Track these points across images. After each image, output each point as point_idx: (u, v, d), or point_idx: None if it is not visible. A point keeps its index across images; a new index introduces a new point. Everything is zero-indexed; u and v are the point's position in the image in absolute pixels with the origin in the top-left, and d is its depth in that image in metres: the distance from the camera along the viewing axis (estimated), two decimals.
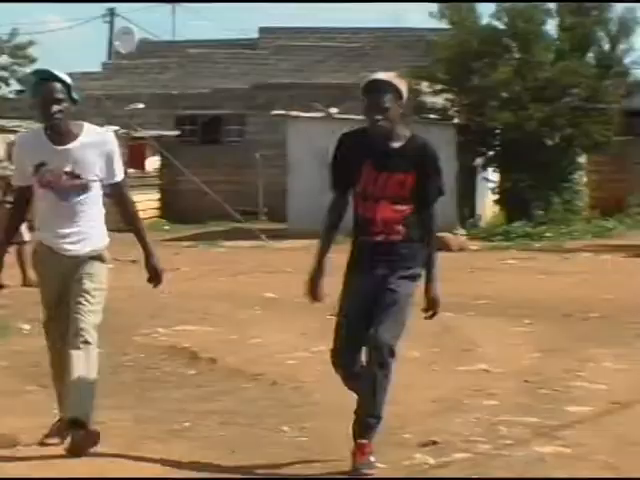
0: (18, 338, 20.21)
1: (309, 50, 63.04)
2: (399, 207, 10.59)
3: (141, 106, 61.94)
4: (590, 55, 52.43)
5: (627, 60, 53.96)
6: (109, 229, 11.78)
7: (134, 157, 56.63)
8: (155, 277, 12.36)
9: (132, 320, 21.81)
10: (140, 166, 58.90)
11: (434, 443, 12.53)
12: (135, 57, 75.15)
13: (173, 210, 59.94)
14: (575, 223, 48.85)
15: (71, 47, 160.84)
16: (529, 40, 50.52)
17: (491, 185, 52.78)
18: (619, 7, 53.07)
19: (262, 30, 71.71)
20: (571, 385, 15.95)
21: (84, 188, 11.60)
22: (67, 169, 11.30)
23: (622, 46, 53.41)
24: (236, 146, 63.90)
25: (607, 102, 51.34)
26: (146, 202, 55.82)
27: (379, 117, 10.19)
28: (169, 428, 13.35)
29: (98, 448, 11.95)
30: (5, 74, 51.68)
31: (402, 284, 10.89)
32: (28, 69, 55.71)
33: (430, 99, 52.40)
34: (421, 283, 11.25)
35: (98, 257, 12.12)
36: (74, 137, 11.56)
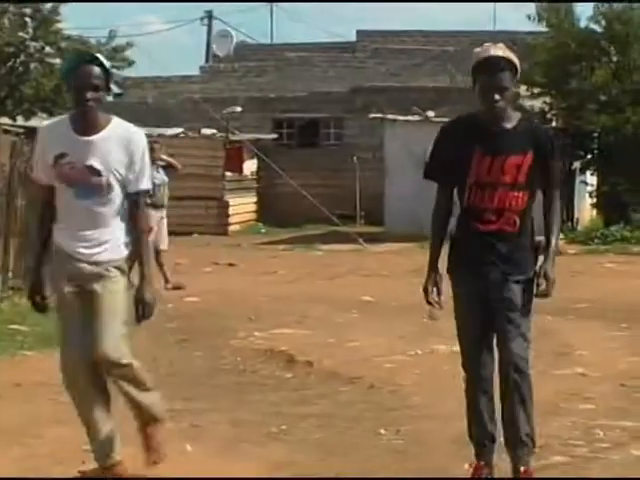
0: None
1: (406, 53, 62.96)
2: (516, 194, 9.67)
3: (238, 109, 61.81)
4: None
5: None
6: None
7: (231, 160, 56.52)
8: (141, 310, 9.96)
9: (229, 323, 21.86)
10: (237, 169, 58.40)
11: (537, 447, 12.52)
12: (232, 60, 75.04)
13: (270, 213, 59.58)
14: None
15: (169, 49, 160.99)
16: (627, 43, 50.17)
17: (589, 188, 52.48)
18: None
19: (360, 33, 71.66)
20: None
21: (105, 188, 9.95)
22: (89, 163, 9.70)
23: None
24: (333, 149, 64.05)
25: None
26: (243, 205, 55.73)
27: (498, 97, 9.30)
28: (266, 431, 13.34)
29: (195, 450, 12.07)
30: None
31: (518, 291, 10.00)
32: (126, 72, 55.33)
33: (528, 102, 52.21)
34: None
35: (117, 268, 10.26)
36: (100, 128, 10.00)
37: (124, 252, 10.20)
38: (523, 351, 10.03)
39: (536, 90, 51.73)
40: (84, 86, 9.75)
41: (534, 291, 9.89)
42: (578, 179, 52.26)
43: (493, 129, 9.52)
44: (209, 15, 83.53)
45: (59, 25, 51.56)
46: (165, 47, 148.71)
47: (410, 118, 51.82)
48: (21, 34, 50.21)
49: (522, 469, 9.73)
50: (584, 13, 52.47)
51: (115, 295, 10.16)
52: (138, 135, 10.29)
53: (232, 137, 53.39)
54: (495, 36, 56.15)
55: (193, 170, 51.60)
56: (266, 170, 55.62)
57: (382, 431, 13.36)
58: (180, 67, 72.19)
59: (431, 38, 62.35)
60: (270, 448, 12.35)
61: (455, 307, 10.31)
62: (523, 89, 52.23)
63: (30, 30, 50.60)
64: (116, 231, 10.15)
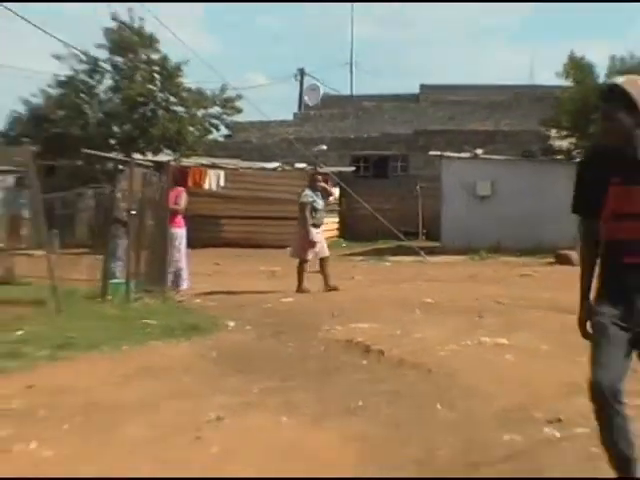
0: (224, 333, 20.28)
1: (460, 103, 62.95)
2: None
3: (324, 148, 62.08)
4: None
5: None
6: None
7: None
8: None
9: (316, 319, 21.80)
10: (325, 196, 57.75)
11: (559, 420, 12.49)
12: (320, 108, 75.56)
13: (349, 231, 60.13)
14: None
15: (270, 99, 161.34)
16: None
17: None
18: None
19: (422, 87, 72.30)
20: None
21: None
22: None
23: None
24: (400, 180, 63.85)
25: None
26: (328, 224, 55.90)
27: (608, 126, 7.81)
28: (345, 407, 13.25)
29: (289, 422, 12.03)
30: (217, 122, 51.47)
31: None
32: (235, 118, 55.57)
33: (557, 142, 52.17)
34: None
35: None
36: None
37: None
38: None
39: (564, 133, 51.70)
40: None
41: None
42: None
43: (629, 160, 7.85)
44: (301, 72, 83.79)
45: (181, 79, 51.65)
46: (266, 97, 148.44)
47: (462, 155, 51.78)
48: (150, 87, 50.29)
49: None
50: (603, 69, 52.20)
51: None
52: None
53: (319, 170, 53.52)
54: (532, 89, 56.09)
55: (288, 196, 51.74)
56: (346, 196, 55.54)
57: (439, 406, 13.33)
58: (278, 113, 71.33)
59: (480, 90, 62.08)
60: (348, 421, 12.35)
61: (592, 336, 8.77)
62: (553, 132, 52.22)
63: (158, 83, 50.68)
64: None
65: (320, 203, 31.14)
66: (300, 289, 29.53)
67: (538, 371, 15.91)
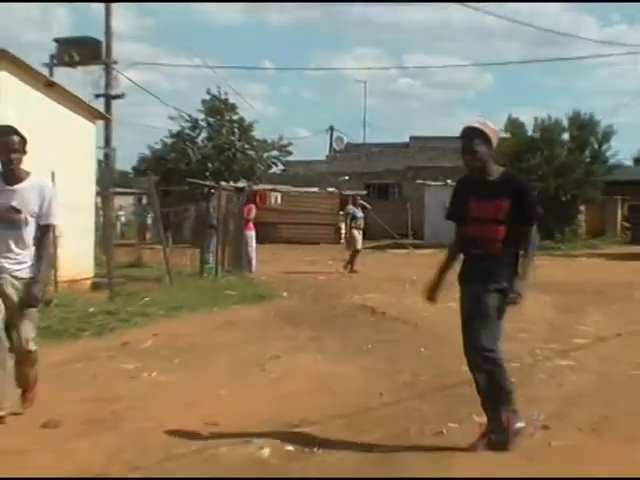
0: (280, 300, 20.37)
1: (436, 149, 62.70)
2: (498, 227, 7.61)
3: (347, 178, 62.05)
4: (587, 151, 51.78)
5: (608, 154, 53.29)
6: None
7: (342, 205, 56.48)
8: (28, 301, 7.89)
9: (339, 291, 21.93)
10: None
11: None
12: (343, 152, 75.68)
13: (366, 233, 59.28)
14: (577, 241, 48.26)
15: (310, 146, 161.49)
16: (552, 143, 50.13)
17: None
18: (603, 124, 52.88)
19: (411, 138, 72.18)
20: (577, 327, 15.79)
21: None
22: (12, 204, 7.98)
23: (604, 146, 52.77)
24: (396, 200, 63.66)
25: (595, 177, 50.75)
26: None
27: (469, 158, 7.72)
28: (360, 349, 13.31)
29: (323, 358, 12.07)
30: (276, 160, 51.49)
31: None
32: (289, 158, 55.72)
33: None
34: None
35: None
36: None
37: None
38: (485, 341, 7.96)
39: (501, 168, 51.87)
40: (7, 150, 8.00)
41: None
42: None
43: (480, 182, 7.81)
44: (331, 128, 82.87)
45: (252, 133, 51.71)
46: (308, 145, 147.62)
47: (438, 183, 51.79)
48: (232, 138, 50.31)
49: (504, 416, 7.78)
50: (530, 126, 52.21)
51: None
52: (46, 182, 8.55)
53: (343, 193, 53.25)
54: None
55: (322, 210, 51.85)
56: (364, 210, 55.68)
57: (422, 349, 13.33)
58: (315, 155, 71.18)
59: (449, 140, 61.51)
60: (361, 358, 12.42)
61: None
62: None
63: (237, 135, 50.70)
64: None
65: (359, 214, 31.91)
66: (352, 270, 29.47)
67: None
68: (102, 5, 35.51)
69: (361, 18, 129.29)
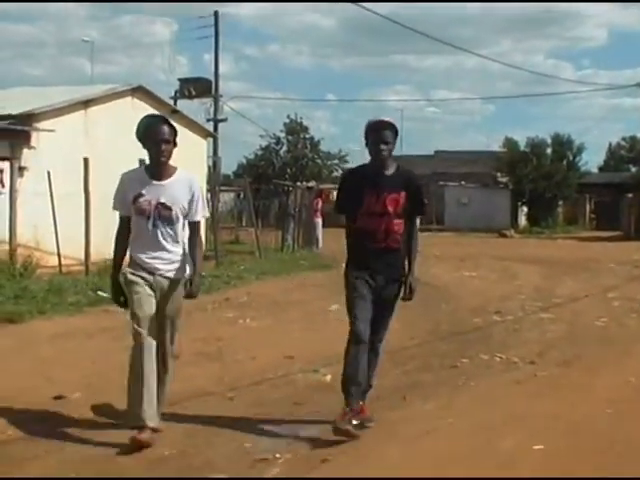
0: (339, 268, 20.28)
1: (454, 159, 61.60)
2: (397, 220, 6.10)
3: None
4: (564, 162, 51.23)
5: (580, 164, 52.89)
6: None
7: None
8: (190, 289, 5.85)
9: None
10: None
11: (499, 312, 12.41)
12: None
13: None
14: (557, 227, 47.76)
15: (361, 157, 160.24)
16: (539, 156, 49.66)
17: (525, 210, 51.66)
18: (577, 142, 52.48)
19: (436, 151, 69.02)
20: (555, 290, 15.65)
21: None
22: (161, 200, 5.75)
23: (577, 158, 52.37)
24: (425, 196, 62.74)
25: (571, 181, 50.25)
26: None
27: (383, 148, 6.00)
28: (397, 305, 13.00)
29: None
30: (337, 167, 51.28)
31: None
32: (345, 165, 55.45)
33: (499, 179, 51.57)
34: None
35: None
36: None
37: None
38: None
39: (502, 174, 51.25)
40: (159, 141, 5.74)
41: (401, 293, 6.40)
42: (519, 209, 51.47)
43: (377, 174, 6.07)
44: None
45: (320, 147, 51.60)
46: (360, 155, 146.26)
47: (455, 184, 51.40)
48: (305, 151, 50.23)
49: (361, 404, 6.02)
50: (522, 143, 51.84)
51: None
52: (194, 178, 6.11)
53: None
54: (489, 154, 54.95)
55: None
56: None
57: (443, 305, 13.27)
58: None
59: (463, 154, 60.35)
60: (399, 311, 12.20)
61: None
62: (498, 174, 51.77)
63: (308, 148, 50.63)
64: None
65: None
66: None
67: (490, 289, 15.92)
68: (213, 53, 35.81)
69: (400, 62, 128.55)
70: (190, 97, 35.68)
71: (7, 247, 15.88)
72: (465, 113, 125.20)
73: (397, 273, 6.26)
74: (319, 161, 51.81)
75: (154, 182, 5.70)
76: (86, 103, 19.80)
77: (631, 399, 6.95)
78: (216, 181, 24.32)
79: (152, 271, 5.68)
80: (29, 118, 17.73)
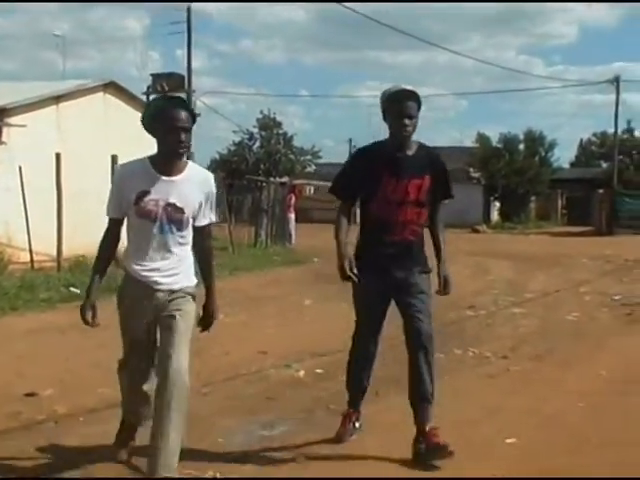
0: (312, 264, 20.31)
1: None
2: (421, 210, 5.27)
3: None
4: (537, 157, 51.46)
5: (552, 159, 53.21)
6: None
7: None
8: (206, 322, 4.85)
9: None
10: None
11: (472, 307, 12.45)
12: None
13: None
14: (529, 223, 48.11)
15: (335, 153, 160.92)
16: (512, 152, 49.91)
17: (497, 205, 51.86)
18: (548, 138, 52.79)
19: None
20: (527, 285, 15.75)
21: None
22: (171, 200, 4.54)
23: (549, 154, 52.62)
24: None
25: (543, 176, 50.50)
26: None
27: (407, 123, 4.97)
28: None
29: (345, 306, 12.04)
30: (310, 163, 51.81)
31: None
32: (318, 161, 55.40)
33: (472, 174, 51.54)
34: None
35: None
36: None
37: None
38: None
39: (475, 169, 51.28)
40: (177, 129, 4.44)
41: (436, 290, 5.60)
42: (492, 204, 51.68)
43: (398, 155, 5.11)
44: (350, 140, 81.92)
45: (293, 143, 51.63)
46: (333, 151, 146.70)
47: None
48: (278, 146, 50.23)
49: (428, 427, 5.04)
50: (495, 139, 52.09)
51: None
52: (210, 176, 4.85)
53: None
54: (462, 149, 55.16)
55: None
56: None
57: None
58: (339, 159, 70.69)
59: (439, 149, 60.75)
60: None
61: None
62: (471, 169, 51.87)
63: (281, 144, 50.64)
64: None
65: None
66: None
67: (463, 284, 15.79)
68: (185, 48, 35.68)
69: (374, 58, 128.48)
70: (163, 92, 35.58)
71: None
72: (438, 109, 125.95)
73: (418, 265, 5.35)
74: (292, 157, 51.91)
75: (163, 178, 4.48)
76: (58, 98, 19.71)
77: (602, 392, 6.99)
78: None
79: (151, 286, 4.52)
80: (0, 113, 17.63)
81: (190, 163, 4.64)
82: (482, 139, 52.69)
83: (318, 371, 7.76)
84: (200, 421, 5.86)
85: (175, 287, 4.57)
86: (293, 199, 28.65)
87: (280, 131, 52.23)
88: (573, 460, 5.05)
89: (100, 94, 21.20)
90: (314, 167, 60.08)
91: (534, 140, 52.43)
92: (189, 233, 4.64)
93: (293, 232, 27.56)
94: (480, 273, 18.31)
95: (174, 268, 4.58)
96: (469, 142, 55.57)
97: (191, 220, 4.60)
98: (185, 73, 35.61)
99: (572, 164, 73.26)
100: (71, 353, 8.38)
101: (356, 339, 5.67)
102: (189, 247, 4.69)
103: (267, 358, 8.38)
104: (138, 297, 4.57)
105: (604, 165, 62.06)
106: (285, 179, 39.71)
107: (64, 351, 8.52)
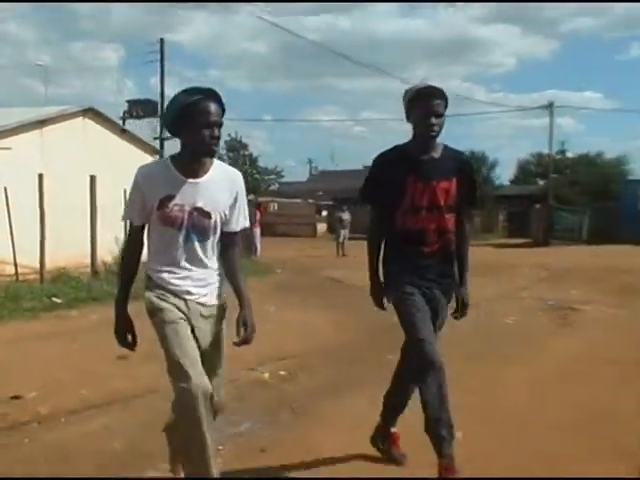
0: (276, 274, 20.32)
1: None
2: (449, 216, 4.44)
3: (320, 193, 61.41)
4: (480, 176, 51.84)
5: (494, 177, 53.52)
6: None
7: (318, 212, 56.33)
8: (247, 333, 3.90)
9: (315, 269, 21.86)
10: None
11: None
12: (319, 175, 74.66)
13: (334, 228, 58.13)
14: (475, 235, 48.19)
15: (295, 173, 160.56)
16: None
17: None
18: (491, 158, 52.97)
19: (364, 166, 70.38)
20: (471, 291, 15.80)
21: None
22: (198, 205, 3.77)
23: (491, 172, 53.07)
24: (355, 208, 62.86)
25: (486, 193, 50.74)
26: (320, 225, 55.03)
27: (436, 122, 4.20)
28: (326, 303, 13.31)
29: (305, 313, 12.00)
30: (273, 182, 51.88)
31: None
32: (281, 180, 55.36)
33: None
34: None
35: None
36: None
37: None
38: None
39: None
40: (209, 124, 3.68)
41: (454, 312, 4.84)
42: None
43: (423, 158, 4.34)
44: (310, 160, 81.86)
45: (258, 164, 51.68)
46: (295, 171, 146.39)
47: None
48: (245, 166, 50.24)
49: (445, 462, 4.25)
50: None
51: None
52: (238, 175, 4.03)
53: (318, 203, 52.93)
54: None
55: (304, 214, 51.58)
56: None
57: (366, 305, 13.29)
58: (300, 178, 70.51)
59: None
60: (327, 310, 12.43)
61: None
62: None
63: (247, 164, 50.65)
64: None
65: (345, 217, 31.26)
66: (343, 254, 28.41)
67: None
68: (158, 76, 35.56)
69: (331, 84, 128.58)
70: (138, 117, 35.48)
71: None
72: (390, 132, 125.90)
73: (452, 284, 4.61)
74: (257, 176, 52.05)
75: (189, 180, 3.74)
76: (41, 123, 19.76)
77: (536, 386, 7.13)
78: None
79: (182, 295, 3.79)
80: None
81: (216, 162, 3.87)
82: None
83: (281, 373, 7.78)
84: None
85: (207, 301, 3.86)
86: (258, 215, 28.65)
87: (246, 152, 52.39)
88: (507, 445, 5.15)
89: (80, 119, 21.31)
90: (277, 185, 60.36)
91: (477, 160, 52.68)
92: (215, 242, 3.92)
93: (259, 245, 27.53)
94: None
95: (205, 279, 3.87)
96: None
97: (220, 226, 3.88)
98: (158, 99, 35.49)
99: (512, 181, 73.89)
100: (53, 358, 8.33)
101: (416, 352, 4.44)
102: (216, 259, 3.97)
103: (236, 362, 8.36)
104: (171, 303, 3.77)
105: (540, 183, 62.62)
106: (251, 197, 39.81)
107: (46, 357, 8.47)
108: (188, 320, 3.77)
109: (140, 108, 34.67)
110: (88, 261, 17.01)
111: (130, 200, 3.80)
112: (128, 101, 37.54)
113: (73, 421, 5.88)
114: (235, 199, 3.92)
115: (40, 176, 16.13)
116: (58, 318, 11.43)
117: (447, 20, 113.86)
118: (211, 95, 3.70)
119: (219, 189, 3.81)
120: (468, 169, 4.48)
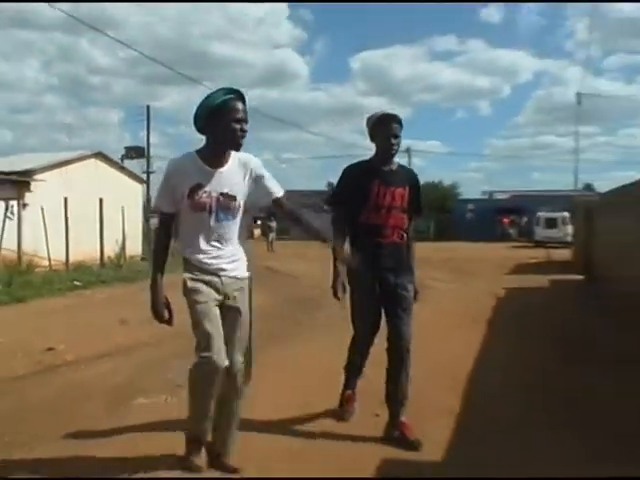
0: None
1: None
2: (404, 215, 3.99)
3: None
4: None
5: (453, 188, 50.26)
6: None
7: None
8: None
9: (255, 258, 18.71)
10: None
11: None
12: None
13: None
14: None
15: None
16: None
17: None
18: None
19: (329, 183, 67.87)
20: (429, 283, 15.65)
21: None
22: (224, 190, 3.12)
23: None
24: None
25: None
26: None
27: (394, 142, 3.87)
28: (266, 289, 11.26)
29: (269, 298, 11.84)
30: None
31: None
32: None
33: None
34: None
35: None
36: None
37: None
38: None
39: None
40: (237, 120, 3.09)
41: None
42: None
43: (384, 169, 3.91)
44: None
45: None
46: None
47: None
48: None
49: (403, 419, 3.77)
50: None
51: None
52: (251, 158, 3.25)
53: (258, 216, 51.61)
54: (315, 193, 53.76)
55: (244, 223, 49.60)
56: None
57: (296, 287, 12.72)
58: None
59: (299, 192, 59.73)
60: (266, 293, 11.05)
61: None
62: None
63: None
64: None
65: (273, 224, 29.63)
66: (272, 250, 26.54)
67: (322, 275, 15.53)
68: (145, 130, 34.98)
69: (265, 137, 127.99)
70: (132, 158, 35.04)
71: (16, 254, 16.07)
72: (302, 167, 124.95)
73: (408, 270, 3.98)
74: None
75: (215, 170, 3.17)
76: (65, 162, 20.23)
77: (437, 373, 6.91)
78: (148, 212, 23.76)
79: (217, 273, 3.20)
80: (28, 173, 18.24)
81: (233, 153, 3.21)
82: (330, 185, 49.52)
83: None
84: (156, 365, 5.74)
85: (238, 275, 3.27)
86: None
87: None
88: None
89: (92, 160, 21.79)
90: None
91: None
92: (240, 220, 3.30)
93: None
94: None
95: (234, 255, 3.27)
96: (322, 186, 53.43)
97: (242, 206, 3.26)
98: (145, 146, 35.24)
99: None
100: (75, 322, 8.25)
101: (358, 333, 4.03)
102: (240, 237, 3.34)
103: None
104: (206, 281, 3.16)
105: None
106: None
107: (71, 321, 8.37)
108: (224, 295, 3.19)
109: (133, 152, 34.29)
110: (98, 256, 17.81)
111: (161, 190, 3.19)
112: (125, 147, 37.06)
113: (90, 365, 5.85)
114: (256, 176, 3.25)
115: (65, 199, 17.18)
116: (78, 295, 11.58)
117: (341, 92, 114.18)
118: (239, 95, 3.15)
119: (238, 175, 3.21)
120: (416, 182, 4.07)
